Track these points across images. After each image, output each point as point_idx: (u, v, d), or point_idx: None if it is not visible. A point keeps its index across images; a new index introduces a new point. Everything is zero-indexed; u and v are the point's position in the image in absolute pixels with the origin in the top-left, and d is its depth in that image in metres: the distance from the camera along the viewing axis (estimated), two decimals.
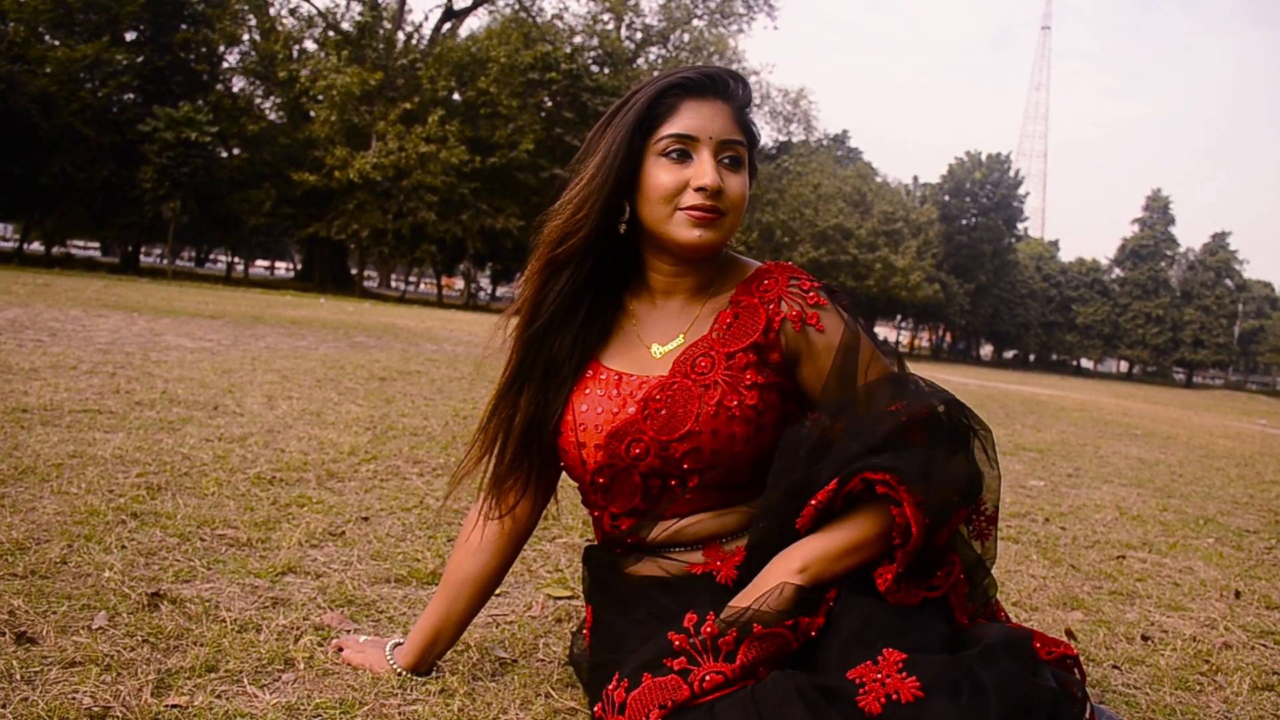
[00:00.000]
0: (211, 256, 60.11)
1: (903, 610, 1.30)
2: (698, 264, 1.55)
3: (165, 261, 37.44)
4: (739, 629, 1.30)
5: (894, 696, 1.13)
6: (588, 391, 1.55)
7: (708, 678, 1.30)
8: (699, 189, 1.44)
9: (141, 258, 39.02)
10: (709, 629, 1.33)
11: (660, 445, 1.46)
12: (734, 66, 41.02)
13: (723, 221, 1.47)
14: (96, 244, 49.82)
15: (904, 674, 1.15)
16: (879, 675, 1.16)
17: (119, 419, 3.82)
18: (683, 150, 1.46)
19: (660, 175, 1.46)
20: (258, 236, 40.15)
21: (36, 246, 35.91)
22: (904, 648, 1.19)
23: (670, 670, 1.32)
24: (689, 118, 1.46)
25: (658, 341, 1.56)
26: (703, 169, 1.44)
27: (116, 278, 23.42)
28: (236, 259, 45.58)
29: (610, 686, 1.39)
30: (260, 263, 64.63)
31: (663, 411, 1.46)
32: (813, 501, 1.34)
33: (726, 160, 1.47)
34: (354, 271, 39.05)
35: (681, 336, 1.55)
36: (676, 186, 1.45)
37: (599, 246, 1.53)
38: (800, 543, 1.36)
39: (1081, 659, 2.14)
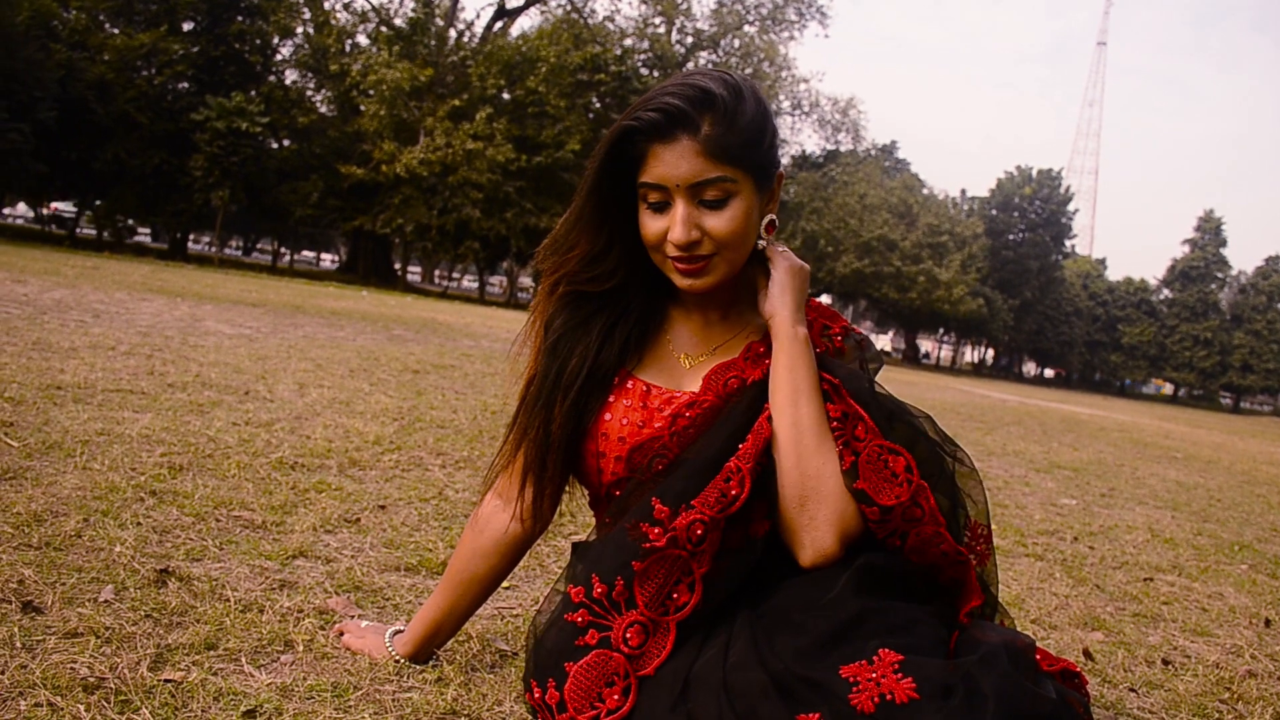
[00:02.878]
0: (258, 246, 60.95)
1: (898, 610, 1.28)
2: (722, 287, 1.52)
3: (213, 249, 37.96)
4: (623, 577, 1.36)
5: (889, 697, 1.11)
6: (611, 400, 1.51)
7: (630, 636, 1.34)
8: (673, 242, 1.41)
9: (190, 245, 39.59)
10: (600, 587, 1.37)
11: None
12: (783, 74, 41.26)
13: (712, 263, 1.43)
14: (147, 230, 50.65)
15: (900, 675, 1.13)
16: (874, 675, 1.14)
17: (150, 400, 3.87)
18: (659, 200, 1.41)
19: (647, 223, 1.44)
20: (304, 227, 40.56)
21: (88, 230, 36.63)
22: (900, 649, 1.17)
23: (580, 633, 1.36)
24: (655, 166, 1.39)
25: (688, 353, 1.55)
26: (673, 221, 1.40)
27: (164, 263, 23.78)
28: (282, 249, 46.21)
29: (536, 695, 1.39)
30: (305, 253, 65.41)
31: (690, 430, 1.44)
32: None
33: (706, 200, 1.40)
34: (397, 266, 39.38)
35: (713, 352, 1.54)
36: (658, 237, 1.43)
37: (632, 280, 1.53)
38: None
39: (1090, 679, 2.09)
